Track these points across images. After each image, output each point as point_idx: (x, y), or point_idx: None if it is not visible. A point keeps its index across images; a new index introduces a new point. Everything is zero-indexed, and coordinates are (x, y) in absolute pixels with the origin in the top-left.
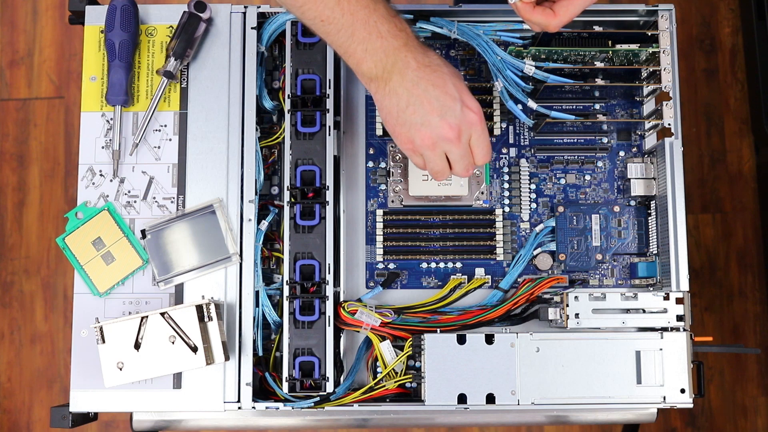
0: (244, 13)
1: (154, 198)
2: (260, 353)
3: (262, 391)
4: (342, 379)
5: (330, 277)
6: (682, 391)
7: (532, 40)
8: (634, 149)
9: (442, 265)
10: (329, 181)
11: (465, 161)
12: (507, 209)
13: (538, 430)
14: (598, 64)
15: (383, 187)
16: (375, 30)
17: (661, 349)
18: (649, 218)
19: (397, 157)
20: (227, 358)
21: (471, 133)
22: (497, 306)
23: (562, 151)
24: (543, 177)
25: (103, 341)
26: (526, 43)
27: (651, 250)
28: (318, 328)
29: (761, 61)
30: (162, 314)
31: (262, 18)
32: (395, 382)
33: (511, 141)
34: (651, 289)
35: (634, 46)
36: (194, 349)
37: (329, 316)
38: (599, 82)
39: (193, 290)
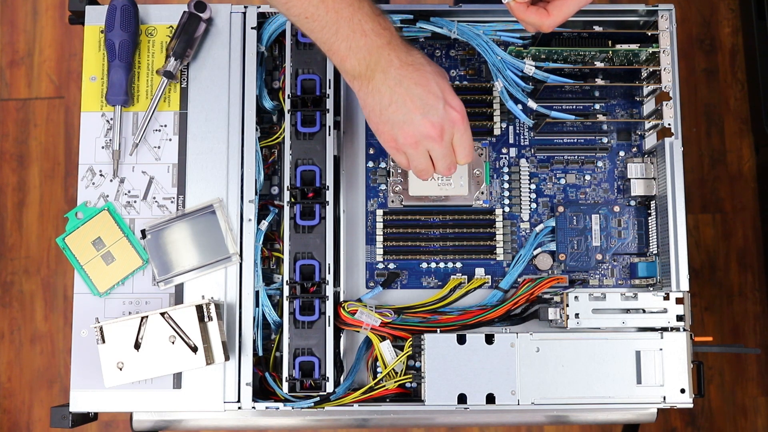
0: (244, 13)
1: (154, 198)
2: (260, 353)
3: (262, 391)
4: (342, 379)
5: (330, 277)
6: (682, 391)
7: (532, 40)
8: (634, 149)
9: (442, 265)
10: (329, 181)
11: (447, 160)
12: (507, 209)
13: (538, 430)
14: (598, 64)
15: (383, 187)
16: (359, 28)
17: (661, 349)
18: (649, 218)
19: None
20: (227, 358)
21: (454, 132)
22: (497, 306)
23: (562, 151)
24: (543, 177)
25: (103, 341)
26: (526, 43)
27: (651, 250)
28: (318, 328)
29: (761, 61)
30: (162, 314)
31: (262, 18)
32: (395, 382)
33: (511, 141)
34: (651, 289)
35: (634, 46)
36: (194, 349)
37: (329, 316)
38: (599, 82)
39: (193, 290)
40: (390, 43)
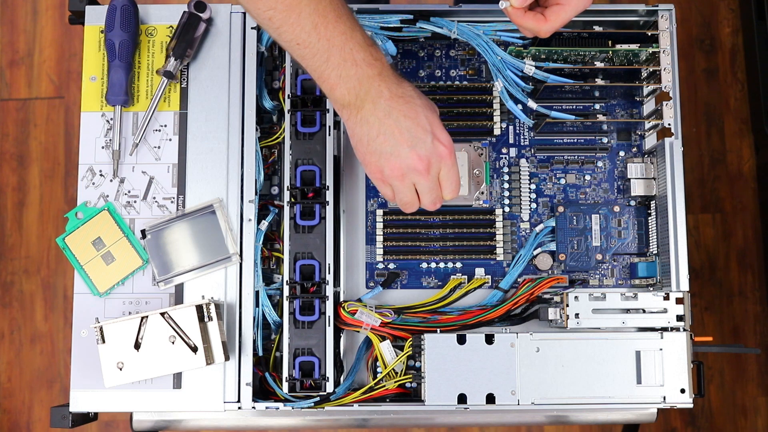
0: (244, 13)
1: (154, 198)
2: (260, 353)
3: (262, 391)
4: (342, 379)
5: (330, 277)
6: (682, 391)
7: (532, 40)
8: (634, 149)
9: (442, 265)
10: (329, 181)
11: (433, 194)
12: (507, 209)
13: (538, 430)
14: (598, 64)
15: None
16: (350, 57)
17: (661, 349)
18: (649, 218)
19: None
20: (227, 358)
21: (441, 166)
22: (497, 306)
23: (562, 151)
24: (543, 177)
25: (103, 341)
26: (526, 43)
27: (651, 250)
28: (318, 328)
29: (761, 61)
30: (162, 314)
31: None
32: (395, 382)
33: (511, 141)
34: (651, 289)
35: (634, 46)
36: (194, 349)
37: (329, 316)
38: (599, 82)
39: (193, 290)
40: (381, 74)
